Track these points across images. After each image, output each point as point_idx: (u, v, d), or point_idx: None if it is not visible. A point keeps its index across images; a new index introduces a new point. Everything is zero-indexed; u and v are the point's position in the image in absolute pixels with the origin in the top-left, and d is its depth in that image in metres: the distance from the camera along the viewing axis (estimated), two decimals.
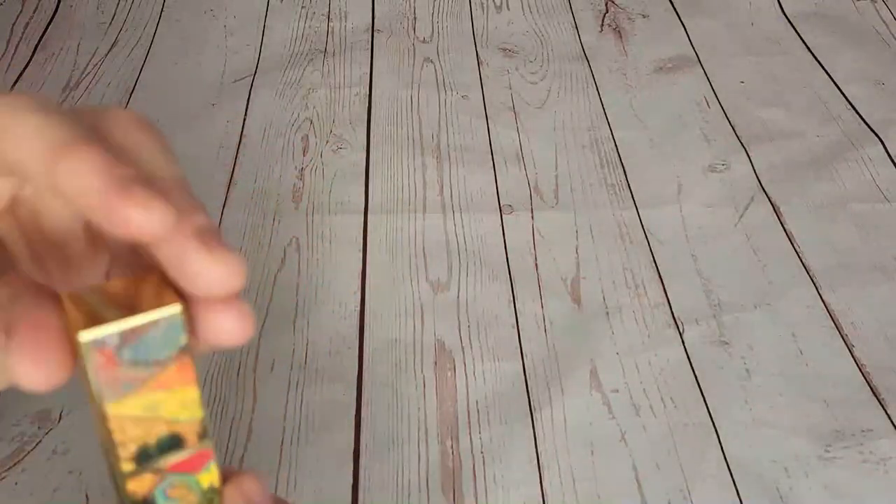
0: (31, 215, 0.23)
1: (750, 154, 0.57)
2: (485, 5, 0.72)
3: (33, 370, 0.20)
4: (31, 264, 0.24)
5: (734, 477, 0.40)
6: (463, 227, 0.52)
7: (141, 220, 0.19)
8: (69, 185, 0.19)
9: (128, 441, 0.22)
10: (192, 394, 0.22)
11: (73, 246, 0.24)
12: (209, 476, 0.23)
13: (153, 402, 0.22)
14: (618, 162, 0.57)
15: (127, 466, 0.22)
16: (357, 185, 0.55)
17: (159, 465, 0.23)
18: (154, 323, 0.21)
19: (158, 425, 0.22)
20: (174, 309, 0.21)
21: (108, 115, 0.22)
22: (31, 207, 0.23)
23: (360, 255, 0.50)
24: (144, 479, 0.23)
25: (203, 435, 0.23)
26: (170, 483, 0.23)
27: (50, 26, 0.68)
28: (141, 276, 0.22)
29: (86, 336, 0.20)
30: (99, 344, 0.21)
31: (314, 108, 0.61)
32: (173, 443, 0.23)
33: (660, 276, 0.49)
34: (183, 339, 0.21)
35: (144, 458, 0.22)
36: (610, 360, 0.45)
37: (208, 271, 0.20)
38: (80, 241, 0.24)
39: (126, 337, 0.21)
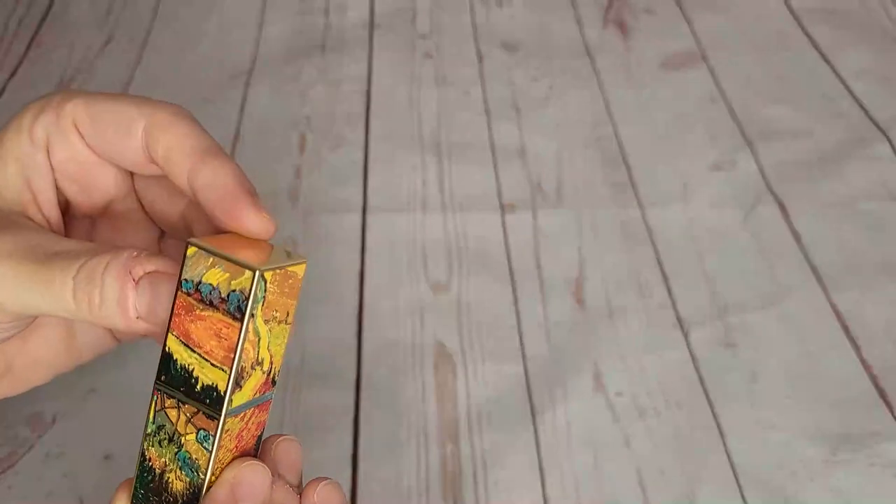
0: (112, 224, 0.30)
1: (756, 152, 0.57)
2: (486, 0, 0.71)
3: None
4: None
5: (739, 481, 0.39)
6: (464, 226, 0.52)
7: (255, 221, 0.25)
8: (207, 178, 0.26)
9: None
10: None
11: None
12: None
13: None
14: (621, 160, 0.56)
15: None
16: (355, 183, 0.55)
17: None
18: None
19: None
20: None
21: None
22: (116, 218, 0.30)
23: (359, 254, 0.50)
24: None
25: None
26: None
27: (44, 23, 0.68)
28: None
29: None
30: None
31: (312, 104, 0.60)
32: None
33: (664, 277, 0.49)
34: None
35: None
36: (614, 362, 0.44)
37: (254, 225, 0.25)
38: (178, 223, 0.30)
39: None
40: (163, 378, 0.24)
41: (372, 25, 0.68)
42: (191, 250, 0.23)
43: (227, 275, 0.23)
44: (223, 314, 0.24)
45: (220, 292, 0.23)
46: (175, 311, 0.24)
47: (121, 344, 0.32)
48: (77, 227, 0.31)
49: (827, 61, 0.65)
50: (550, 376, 0.44)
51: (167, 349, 0.24)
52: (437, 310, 0.47)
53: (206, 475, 0.25)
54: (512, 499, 0.39)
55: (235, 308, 0.23)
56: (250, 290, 0.23)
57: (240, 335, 0.23)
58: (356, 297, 0.47)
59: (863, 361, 0.44)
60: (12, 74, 0.63)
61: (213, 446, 0.24)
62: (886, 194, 0.54)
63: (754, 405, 0.42)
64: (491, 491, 0.39)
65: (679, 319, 0.46)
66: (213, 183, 0.26)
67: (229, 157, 0.27)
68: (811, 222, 0.52)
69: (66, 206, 0.30)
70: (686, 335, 0.46)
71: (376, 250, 0.50)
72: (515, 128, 0.59)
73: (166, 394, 0.25)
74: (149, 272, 0.24)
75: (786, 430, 0.41)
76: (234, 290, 0.23)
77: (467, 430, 0.41)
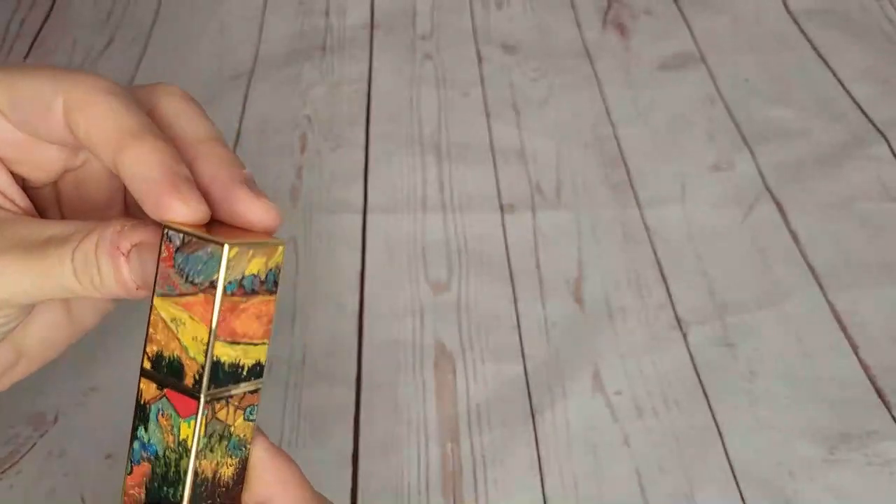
0: (75, 182, 0.28)
1: (755, 153, 0.57)
2: (485, 1, 0.71)
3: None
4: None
5: (738, 480, 0.39)
6: (464, 226, 0.52)
7: (181, 211, 0.23)
8: (130, 168, 0.24)
9: (154, 340, 0.24)
10: (202, 333, 0.23)
11: (106, 210, 0.29)
12: (188, 430, 0.24)
13: (177, 318, 0.24)
14: (621, 160, 0.57)
15: (146, 363, 0.24)
16: (356, 183, 0.55)
17: (163, 381, 0.24)
18: (203, 245, 0.23)
19: (174, 343, 0.24)
20: (222, 246, 0.23)
21: (159, 88, 0.27)
22: (77, 176, 0.28)
23: (359, 254, 0.50)
24: (151, 386, 0.24)
25: (196, 383, 0.24)
26: (163, 407, 0.24)
27: (46, 23, 0.68)
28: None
29: (165, 228, 0.23)
30: (167, 239, 0.23)
31: (312, 105, 0.60)
32: (176, 370, 0.24)
33: (663, 277, 0.49)
34: (217, 276, 0.23)
35: (157, 366, 0.24)
36: (613, 362, 0.44)
37: (253, 211, 0.24)
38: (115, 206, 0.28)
39: (185, 244, 0.23)
40: (210, 389, 0.24)
41: (372, 26, 0.69)
42: (232, 252, 0.23)
43: (265, 258, 0.24)
44: (263, 294, 0.24)
45: (260, 278, 0.24)
46: (221, 318, 0.24)
47: (120, 303, 0.32)
48: (42, 195, 0.30)
49: (825, 62, 0.65)
50: (550, 376, 0.44)
51: (217, 359, 0.24)
52: (437, 310, 0.47)
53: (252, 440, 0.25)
54: (511, 497, 0.39)
55: (272, 283, 0.25)
56: (280, 263, 0.25)
57: (275, 304, 0.25)
58: (356, 297, 0.48)
59: (861, 361, 0.45)
60: None
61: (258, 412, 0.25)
62: (885, 195, 0.54)
63: (753, 404, 0.42)
64: (490, 490, 0.39)
65: (678, 319, 0.47)
66: (136, 173, 0.24)
67: (157, 134, 0.24)
68: (810, 223, 0.52)
69: (22, 182, 0.29)
70: (685, 335, 0.46)
71: (376, 250, 0.50)
72: (515, 128, 0.59)
73: (215, 401, 0.25)
74: (135, 244, 0.24)
75: (784, 429, 0.41)
76: (271, 269, 0.24)
77: (467, 429, 0.41)
